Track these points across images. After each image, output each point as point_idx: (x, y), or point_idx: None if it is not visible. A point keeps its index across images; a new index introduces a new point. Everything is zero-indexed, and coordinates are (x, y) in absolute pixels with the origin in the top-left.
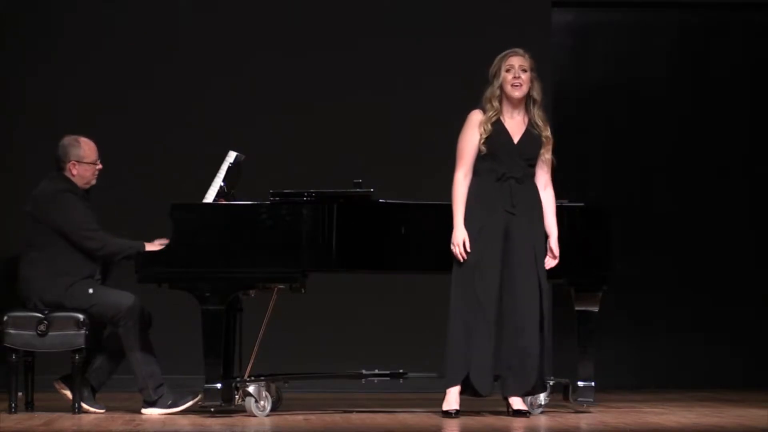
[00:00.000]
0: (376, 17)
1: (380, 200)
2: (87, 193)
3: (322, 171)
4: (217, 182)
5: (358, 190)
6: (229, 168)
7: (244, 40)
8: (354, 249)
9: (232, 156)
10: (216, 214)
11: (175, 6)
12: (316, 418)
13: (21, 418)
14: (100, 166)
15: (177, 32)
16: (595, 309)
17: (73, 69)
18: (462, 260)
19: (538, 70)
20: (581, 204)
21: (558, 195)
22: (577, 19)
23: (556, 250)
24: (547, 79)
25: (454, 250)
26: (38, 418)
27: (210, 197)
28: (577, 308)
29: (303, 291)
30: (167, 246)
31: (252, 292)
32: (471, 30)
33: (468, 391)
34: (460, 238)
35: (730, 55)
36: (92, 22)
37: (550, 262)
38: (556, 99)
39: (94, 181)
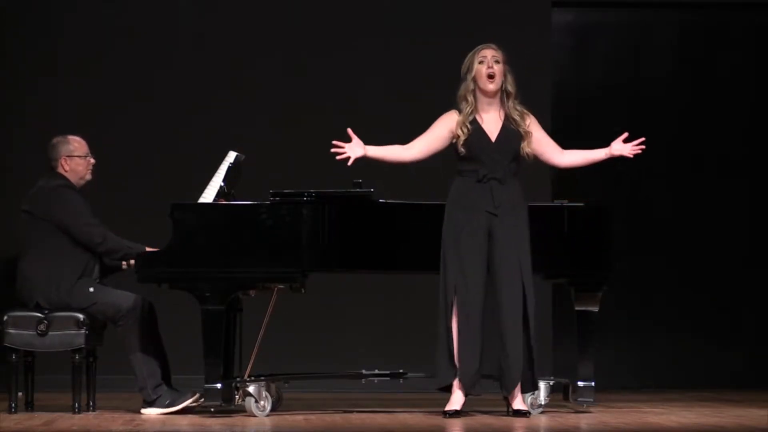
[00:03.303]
0: (376, 17)
1: (380, 200)
2: (81, 190)
3: (322, 171)
4: (217, 182)
5: (358, 190)
6: (229, 168)
7: (244, 41)
8: (354, 249)
9: (232, 156)
10: (216, 214)
11: (175, 7)
12: (316, 418)
13: (21, 418)
14: (92, 160)
15: (177, 33)
16: (595, 309)
17: (73, 69)
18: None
19: (539, 69)
20: (581, 204)
21: (558, 195)
22: (577, 19)
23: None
24: (547, 79)
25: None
26: (38, 418)
27: (209, 197)
28: (577, 308)
29: (303, 291)
30: (167, 246)
31: (252, 292)
32: (471, 30)
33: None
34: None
35: (730, 55)
36: (92, 22)
37: (624, 146)
38: (556, 99)
39: (89, 176)
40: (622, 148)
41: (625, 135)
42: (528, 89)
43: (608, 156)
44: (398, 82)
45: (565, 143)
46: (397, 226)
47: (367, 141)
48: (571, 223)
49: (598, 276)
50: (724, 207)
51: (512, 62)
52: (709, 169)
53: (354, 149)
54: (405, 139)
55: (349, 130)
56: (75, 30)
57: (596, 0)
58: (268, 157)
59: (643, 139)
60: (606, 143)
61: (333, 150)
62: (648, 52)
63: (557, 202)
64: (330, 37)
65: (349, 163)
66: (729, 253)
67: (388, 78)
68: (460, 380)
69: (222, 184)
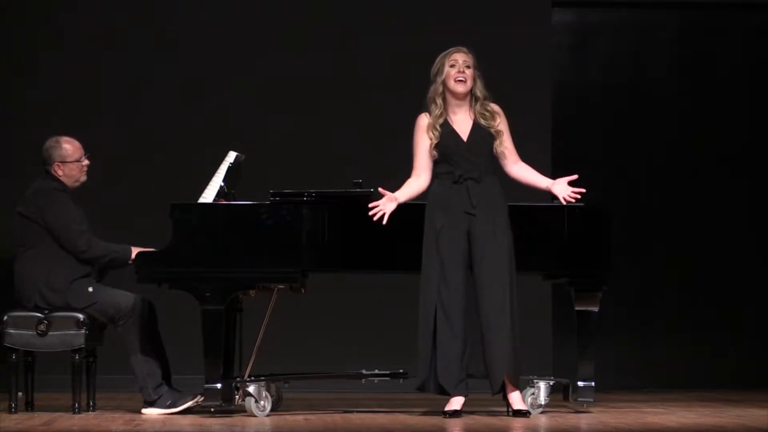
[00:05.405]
0: (377, 17)
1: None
2: (74, 194)
3: (322, 171)
4: (217, 182)
5: (358, 190)
6: (229, 168)
7: (244, 40)
8: (354, 249)
9: (232, 156)
10: (216, 214)
11: (175, 6)
12: (316, 418)
13: (21, 418)
14: (86, 162)
15: (177, 32)
16: (595, 309)
17: (72, 69)
18: (377, 211)
19: (539, 69)
20: (581, 204)
21: None
22: (577, 19)
23: (565, 179)
24: (547, 79)
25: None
26: (38, 418)
27: (209, 197)
28: (577, 308)
29: (303, 291)
30: (167, 246)
31: (252, 292)
32: (471, 30)
33: (435, 389)
34: (387, 199)
35: (730, 55)
36: (92, 22)
37: (566, 188)
38: (556, 99)
39: (83, 178)
40: (563, 189)
41: (574, 177)
42: (528, 89)
43: (547, 189)
44: (399, 82)
45: (565, 143)
46: (397, 226)
47: (368, 141)
48: (571, 223)
49: (598, 276)
50: (725, 207)
51: (512, 62)
52: (710, 169)
53: (388, 205)
54: (404, 137)
55: (381, 189)
56: (75, 30)
57: (596, 0)
58: (268, 157)
59: (583, 190)
60: (606, 142)
61: (371, 213)
62: (648, 52)
63: (557, 202)
64: (330, 36)
65: (385, 221)
66: (729, 253)
67: (389, 78)
68: (440, 379)
69: (222, 184)
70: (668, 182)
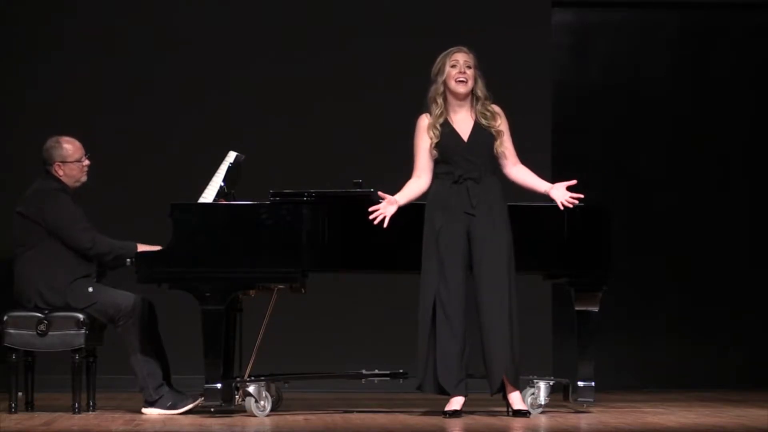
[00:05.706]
0: (377, 17)
1: (380, 200)
2: (74, 194)
3: (322, 171)
4: (216, 182)
5: (358, 190)
6: (229, 168)
7: (244, 40)
8: (354, 249)
9: (232, 156)
10: (216, 214)
11: (175, 6)
12: (316, 418)
13: (21, 418)
14: (87, 162)
15: (177, 32)
16: (595, 309)
17: (73, 69)
18: (378, 215)
19: (539, 69)
20: (581, 204)
21: None
22: (577, 19)
23: (563, 184)
24: (547, 79)
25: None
26: (38, 418)
27: (209, 197)
28: (577, 308)
29: (303, 291)
30: (167, 246)
31: (252, 292)
32: (471, 30)
33: (435, 389)
34: (387, 202)
35: (730, 56)
36: (92, 22)
37: (564, 193)
38: (556, 99)
39: (84, 178)
40: (561, 194)
41: (573, 182)
42: (528, 89)
43: (546, 193)
44: (399, 82)
45: (566, 143)
46: (397, 226)
47: (368, 141)
48: (571, 223)
49: (598, 276)
50: (725, 206)
51: (512, 62)
52: (709, 169)
53: (388, 208)
54: (404, 137)
55: (380, 192)
56: (75, 30)
57: (596, 0)
58: (268, 157)
59: (581, 196)
60: (606, 142)
61: (371, 216)
62: (648, 52)
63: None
64: (330, 36)
65: (385, 224)
66: (730, 253)
67: (389, 78)
68: (440, 379)
69: (222, 184)
70: (668, 182)
